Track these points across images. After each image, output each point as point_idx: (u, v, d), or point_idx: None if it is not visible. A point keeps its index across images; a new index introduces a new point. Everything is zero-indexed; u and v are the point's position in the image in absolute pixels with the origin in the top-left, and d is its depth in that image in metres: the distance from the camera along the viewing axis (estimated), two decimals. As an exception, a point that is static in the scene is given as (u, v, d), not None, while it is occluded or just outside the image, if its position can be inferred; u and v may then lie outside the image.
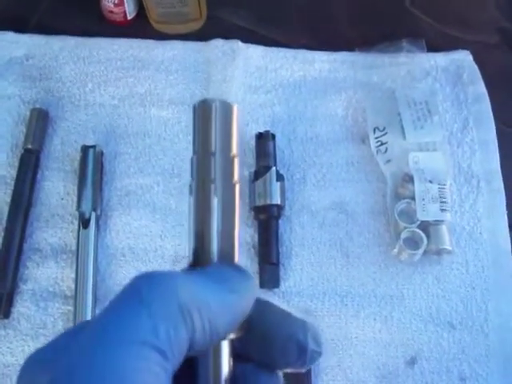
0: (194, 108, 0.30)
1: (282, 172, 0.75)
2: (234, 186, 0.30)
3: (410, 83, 0.81)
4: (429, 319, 0.71)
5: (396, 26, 0.87)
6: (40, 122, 0.77)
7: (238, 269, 0.29)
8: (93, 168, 0.74)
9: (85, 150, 0.75)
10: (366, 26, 0.87)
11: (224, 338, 0.29)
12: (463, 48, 0.85)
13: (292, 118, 0.80)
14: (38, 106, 0.79)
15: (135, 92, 0.81)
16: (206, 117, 0.29)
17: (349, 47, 0.84)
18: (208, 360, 0.29)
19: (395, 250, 0.72)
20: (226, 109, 0.29)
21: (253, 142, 0.76)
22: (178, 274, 0.27)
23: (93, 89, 0.81)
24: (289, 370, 0.32)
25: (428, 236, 0.71)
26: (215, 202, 0.29)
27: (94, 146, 0.75)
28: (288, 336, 0.31)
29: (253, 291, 0.29)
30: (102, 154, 0.76)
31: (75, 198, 0.74)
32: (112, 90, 0.81)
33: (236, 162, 0.30)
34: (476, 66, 0.83)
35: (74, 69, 0.82)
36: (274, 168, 0.73)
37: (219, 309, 0.27)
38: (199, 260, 0.29)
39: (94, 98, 0.80)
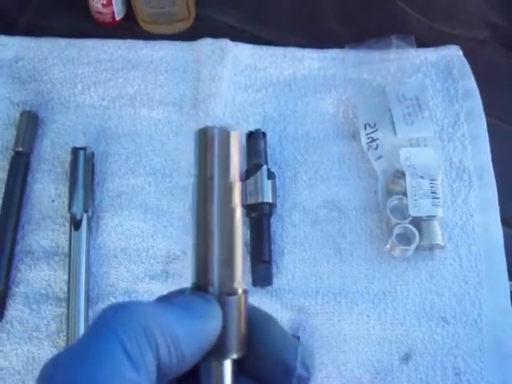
0: (195, 135, 0.31)
1: (273, 170, 0.74)
2: (233, 209, 0.31)
3: (400, 79, 0.81)
4: (422, 315, 0.71)
5: (385, 22, 0.87)
6: (30, 125, 0.77)
7: (203, 297, 0.30)
8: (84, 169, 0.74)
9: (75, 151, 0.75)
10: (356, 23, 0.87)
11: (193, 363, 0.30)
12: (453, 43, 0.85)
13: (282, 116, 0.80)
14: (27, 108, 0.78)
15: (125, 93, 0.80)
16: (206, 144, 0.30)
17: (338, 44, 0.84)
18: (211, 380, 0.30)
19: (388, 247, 0.72)
20: (225, 135, 0.31)
21: (243, 141, 0.76)
22: (142, 302, 0.29)
23: (82, 90, 0.81)
24: None
25: (420, 232, 0.71)
26: (215, 226, 0.30)
27: (84, 148, 0.75)
28: (278, 357, 0.31)
29: (217, 318, 0.30)
30: (92, 155, 0.76)
31: (66, 200, 0.73)
32: (102, 91, 0.81)
33: (236, 186, 0.31)
34: (466, 61, 0.83)
35: (64, 70, 0.82)
36: (265, 166, 0.72)
37: (184, 334, 0.29)
38: (200, 284, 0.31)
39: (83, 100, 0.80)
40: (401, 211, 0.73)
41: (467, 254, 0.73)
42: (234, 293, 0.31)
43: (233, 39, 0.84)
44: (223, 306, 0.30)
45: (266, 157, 0.75)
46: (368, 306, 0.71)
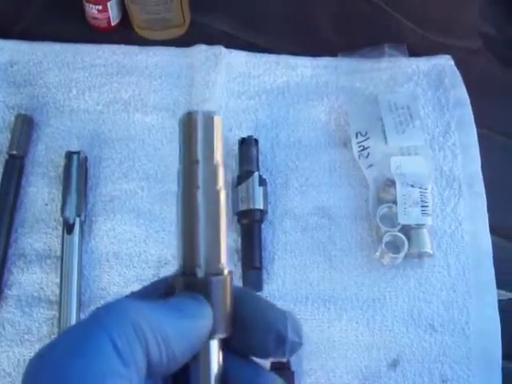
0: (179, 121, 0.32)
1: (264, 177, 0.75)
2: (218, 192, 0.31)
3: (392, 88, 0.82)
4: (410, 322, 0.71)
5: (378, 31, 0.87)
6: (25, 128, 0.77)
7: (194, 297, 0.31)
8: (77, 174, 0.74)
9: (69, 155, 0.75)
10: (349, 31, 0.88)
11: (184, 362, 0.30)
12: (445, 53, 0.86)
13: (275, 124, 0.80)
14: (22, 111, 0.79)
15: (119, 98, 0.81)
16: (190, 128, 0.31)
17: (331, 52, 0.84)
18: (198, 360, 0.31)
19: (377, 254, 0.73)
20: (209, 120, 0.31)
21: (236, 148, 0.77)
22: (133, 301, 0.29)
23: (77, 95, 0.81)
24: (270, 359, 0.33)
25: (409, 240, 0.72)
26: (201, 209, 0.30)
27: (78, 152, 0.75)
28: (268, 326, 0.32)
29: (207, 317, 0.31)
30: (86, 159, 0.76)
31: (59, 204, 0.74)
32: (96, 96, 0.81)
33: (220, 169, 0.31)
34: (457, 71, 0.84)
35: (59, 75, 0.82)
36: (256, 173, 0.73)
37: (173, 332, 0.29)
38: (187, 266, 0.31)
39: (78, 104, 0.81)
40: (390, 219, 0.73)
41: (456, 262, 0.74)
42: (220, 273, 0.31)
43: (227, 46, 0.84)
44: (210, 286, 0.31)
45: (257, 163, 0.75)
46: (357, 312, 0.72)
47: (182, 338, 0.29)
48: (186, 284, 0.31)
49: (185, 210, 0.31)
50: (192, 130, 0.31)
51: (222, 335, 0.31)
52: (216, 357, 0.31)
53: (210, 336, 0.31)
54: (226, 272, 0.32)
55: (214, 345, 0.31)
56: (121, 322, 0.28)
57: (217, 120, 0.32)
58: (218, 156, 0.31)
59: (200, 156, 0.31)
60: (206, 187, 0.31)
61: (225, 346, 0.32)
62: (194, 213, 0.31)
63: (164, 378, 0.31)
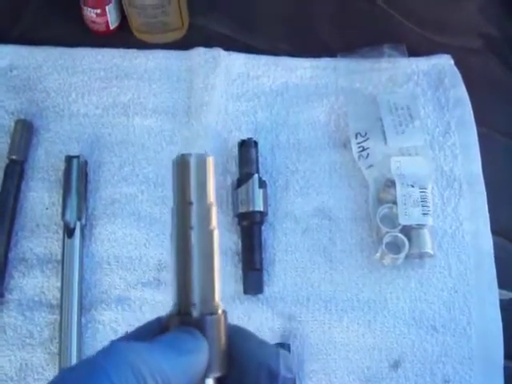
0: (173, 162, 0.32)
1: (264, 179, 0.75)
2: (211, 232, 0.32)
3: (392, 88, 0.82)
4: (412, 323, 0.71)
5: (377, 32, 0.87)
6: (24, 133, 0.78)
7: (189, 331, 0.31)
8: (77, 178, 0.75)
9: (69, 160, 0.75)
10: (348, 32, 0.88)
11: None
12: (445, 52, 0.86)
13: (274, 125, 0.80)
14: (22, 116, 0.79)
15: (119, 101, 0.81)
16: (183, 170, 0.32)
17: (330, 53, 0.84)
18: None
19: (378, 255, 0.72)
20: (201, 161, 0.32)
21: (235, 150, 0.77)
22: (131, 343, 0.30)
23: (76, 99, 0.81)
24: None
25: (410, 240, 0.72)
26: (195, 249, 0.31)
27: (78, 156, 0.76)
28: (260, 363, 0.32)
29: (205, 352, 0.31)
30: (86, 163, 0.77)
31: (60, 208, 0.74)
32: (96, 100, 0.81)
33: (213, 209, 0.32)
34: (457, 71, 0.84)
35: (58, 79, 0.82)
36: (256, 175, 0.73)
37: (172, 371, 0.29)
38: (182, 306, 0.32)
39: (77, 108, 0.81)
40: (391, 220, 0.73)
41: (457, 263, 0.74)
42: (214, 312, 0.32)
43: (226, 48, 0.84)
44: (205, 325, 0.31)
45: (257, 166, 0.75)
46: (358, 313, 0.72)
47: (181, 375, 0.30)
48: (182, 323, 0.31)
49: (179, 249, 0.32)
50: (185, 171, 0.32)
51: (217, 374, 0.31)
52: None
53: (206, 375, 0.31)
54: (220, 311, 0.32)
55: (210, 382, 0.31)
56: (120, 367, 0.28)
57: (209, 161, 0.32)
58: (211, 196, 0.32)
59: (193, 197, 0.32)
60: (199, 228, 0.31)
61: None
62: (188, 253, 0.31)
63: None
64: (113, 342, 0.30)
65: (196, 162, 0.32)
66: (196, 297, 0.31)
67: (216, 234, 0.32)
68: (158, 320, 0.33)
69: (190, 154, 0.32)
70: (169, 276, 0.71)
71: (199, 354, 0.31)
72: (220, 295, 0.32)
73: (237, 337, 0.33)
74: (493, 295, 0.73)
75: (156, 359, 0.29)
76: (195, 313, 0.31)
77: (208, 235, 0.32)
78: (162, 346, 0.30)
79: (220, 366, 0.32)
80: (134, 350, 0.29)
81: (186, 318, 0.31)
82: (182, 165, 0.32)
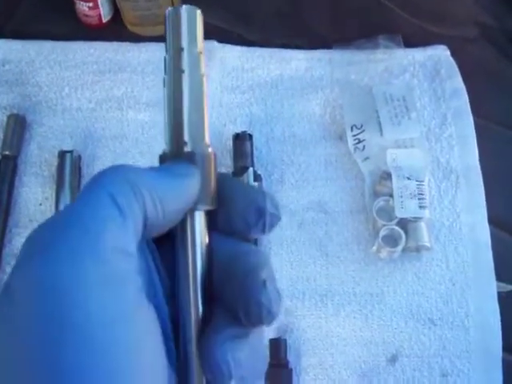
0: (165, 15, 0.34)
1: (259, 172, 0.75)
2: (202, 76, 0.34)
3: (388, 79, 0.81)
4: (409, 316, 0.71)
5: (373, 22, 0.87)
6: (17, 128, 0.77)
7: (182, 159, 0.33)
8: (70, 173, 0.74)
9: (62, 154, 0.75)
10: (343, 23, 0.87)
11: (177, 221, 0.33)
12: (441, 43, 0.85)
13: (269, 118, 0.80)
14: (14, 111, 0.78)
15: (112, 95, 0.80)
16: (175, 20, 0.34)
17: (325, 45, 0.83)
18: (185, 229, 0.33)
19: (374, 248, 0.72)
20: (192, 13, 0.34)
21: (230, 143, 0.76)
22: (128, 164, 0.32)
23: (69, 93, 0.81)
24: (251, 235, 0.35)
25: (407, 233, 0.71)
26: (186, 91, 0.34)
27: (71, 151, 0.75)
28: (248, 201, 0.34)
29: (196, 176, 0.33)
30: (79, 158, 0.76)
31: (53, 203, 0.73)
32: (89, 94, 0.81)
33: (202, 57, 0.35)
34: (453, 61, 0.83)
35: (51, 73, 0.82)
36: (251, 168, 0.72)
37: (167, 190, 0.31)
38: (174, 145, 0.34)
39: (70, 103, 0.80)
40: (387, 213, 0.73)
41: (454, 255, 0.73)
42: (205, 151, 0.34)
43: (220, 40, 0.84)
44: (196, 157, 0.33)
45: (252, 159, 0.75)
46: (355, 307, 0.71)
47: (176, 196, 0.32)
48: (174, 158, 0.33)
49: (171, 92, 0.34)
50: (177, 21, 0.34)
51: (206, 207, 0.33)
52: (201, 226, 0.33)
53: (196, 207, 0.33)
54: (210, 150, 0.34)
55: (200, 216, 0.33)
56: (119, 181, 0.30)
57: (199, 13, 0.35)
58: (201, 45, 0.35)
59: (184, 44, 0.34)
60: (190, 72, 0.34)
61: (209, 224, 0.34)
62: (180, 95, 0.33)
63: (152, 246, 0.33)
64: (113, 165, 0.31)
65: (187, 13, 0.34)
66: (187, 135, 0.33)
67: (205, 80, 0.34)
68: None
69: (180, 6, 0.34)
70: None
71: (192, 179, 0.32)
72: (209, 137, 0.34)
73: (225, 180, 0.35)
74: (491, 288, 0.72)
75: (153, 178, 0.31)
76: (186, 149, 0.33)
77: (198, 80, 0.34)
78: (157, 170, 0.32)
79: (210, 199, 0.34)
80: (132, 169, 0.31)
81: (178, 153, 0.33)
82: (174, 15, 0.34)
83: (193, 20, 0.34)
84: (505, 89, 0.84)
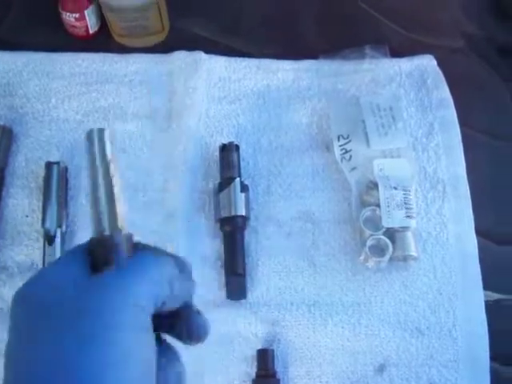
0: (86, 134, 0.43)
1: (246, 183, 0.75)
2: (111, 177, 0.42)
3: (375, 89, 0.81)
4: (397, 326, 0.71)
5: (360, 33, 0.87)
6: (4, 139, 0.77)
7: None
8: (57, 184, 0.74)
9: (49, 166, 0.75)
10: (330, 33, 0.87)
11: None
12: (427, 53, 0.85)
13: (256, 128, 0.80)
14: (1, 122, 0.78)
15: (99, 106, 0.80)
16: (91, 139, 0.43)
17: (312, 55, 0.84)
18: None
19: (361, 258, 0.72)
20: (101, 133, 0.43)
21: (217, 154, 0.76)
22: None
23: (56, 104, 0.81)
24: None
25: (394, 243, 0.71)
26: (102, 190, 0.42)
27: (57, 163, 0.75)
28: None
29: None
30: (66, 169, 0.76)
31: (40, 215, 0.73)
32: (76, 105, 0.80)
33: (111, 164, 0.42)
34: (440, 71, 0.84)
35: (38, 84, 0.82)
36: (237, 179, 0.72)
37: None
38: (97, 230, 0.42)
39: (57, 114, 0.80)
40: (374, 222, 0.73)
41: (441, 265, 0.73)
42: (120, 231, 0.42)
43: (208, 51, 0.84)
44: (114, 240, 0.41)
45: (239, 170, 0.75)
46: (342, 317, 0.71)
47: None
48: (99, 242, 0.41)
49: (92, 192, 0.42)
50: (92, 139, 0.43)
51: None
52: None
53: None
54: (124, 231, 0.43)
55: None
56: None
57: (107, 133, 0.44)
58: (109, 155, 0.43)
59: (99, 156, 0.42)
60: (103, 174, 0.42)
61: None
62: (96, 193, 0.42)
63: None
64: None
65: (97, 133, 0.43)
66: (105, 223, 0.42)
67: (115, 179, 0.42)
68: (79, 246, 0.42)
69: (94, 129, 0.43)
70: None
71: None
72: (123, 220, 0.43)
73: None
74: (478, 297, 0.72)
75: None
76: (106, 233, 0.42)
77: (109, 181, 0.42)
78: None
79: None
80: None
81: (101, 238, 0.41)
82: (89, 135, 0.43)
83: (102, 138, 0.43)
84: (491, 98, 0.85)
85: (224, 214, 0.72)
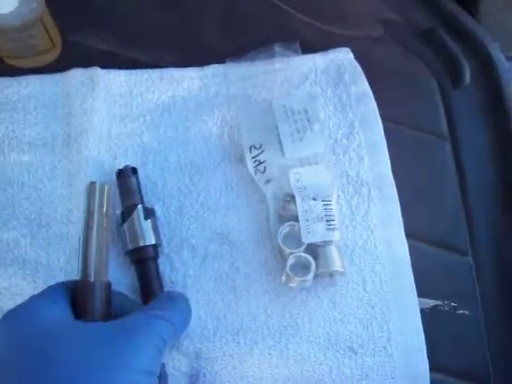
0: (85, 188, 0.54)
1: (156, 206, 0.69)
2: (107, 232, 0.52)
3: (288, 91, 0.75)
4: (328, 346, 0.66)
5: (270, 30, 0.81)
6: None
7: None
8: None
9: None
10: (236, 34, 0.81)
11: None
12: (344, 45, 0.80)
13: (163, 146, 0.74)
14: None
15: (-9, 137, 0.74)
16: (91, 191, 0.52)
17: (219, 59, 0.78)
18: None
19: (283, 278, 0.67)
20: (102, 187, 0.52)
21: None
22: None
23: None
24: None
25: (317, 259, 0.66)
26: (93, 239, 0.52)
27: None
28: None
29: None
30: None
31: None
32: (-34, 138, 0.74)
33: (107, 218, 0.52)
34: (357, 64, 0.78)
35: None
36: (139, 206, 0.67)
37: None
38: (82, 276, 0.53)
39: None
40: (295, 238, 0.67)
41: (371, 275, 0.68)
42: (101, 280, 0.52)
43: (108, 65, 0.77)
44: (95, 287, 0.52)
45: (140, 194, 0.69)
46: (269, 343, 0.66)
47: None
48: (83, 285, 0.51)
49: (83, 242, 0.51)
50: (91, 192, 0.51)
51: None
52: None
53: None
54: (105, 280, 0.53)
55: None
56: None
57: (107, 188, 0.53)
58: (106, 207, 0.51)
59: (94, 208, 0.52)
60: (97, 228, 0.51)
61: None
62: (88, 243, 0.53)
63: None
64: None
65: (98, 187, 0.51)
66: (91, 270, 0.50)
67: (109, 235, 0.51)
68: (63, 283, 0.51)
69: (95, 182, 0.53)
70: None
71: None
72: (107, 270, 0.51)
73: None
74: (413, 306, 0.68)
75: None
76: (90, 279, 0.51)
77: (102, 232, 0.50)
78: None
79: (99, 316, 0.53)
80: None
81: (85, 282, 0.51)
82: (89, 188, 0.51)
83: (102, 193, 0.52)
84: (412, 87, 0.79)
85: (131, 245, 0.66)
